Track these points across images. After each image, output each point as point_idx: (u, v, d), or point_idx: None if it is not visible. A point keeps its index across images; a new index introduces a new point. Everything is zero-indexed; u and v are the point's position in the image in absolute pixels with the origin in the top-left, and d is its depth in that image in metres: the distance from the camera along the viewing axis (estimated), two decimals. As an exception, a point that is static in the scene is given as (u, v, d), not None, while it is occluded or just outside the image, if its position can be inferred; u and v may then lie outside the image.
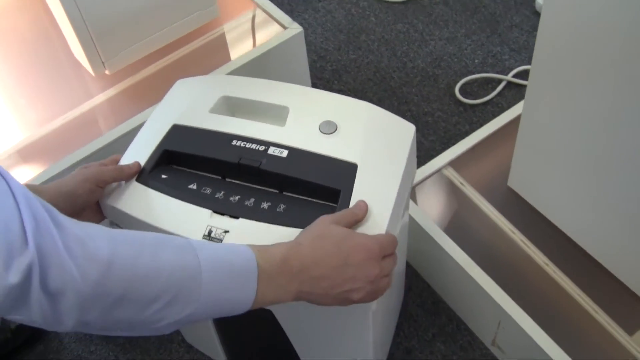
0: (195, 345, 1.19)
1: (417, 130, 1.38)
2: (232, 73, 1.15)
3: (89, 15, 1.04)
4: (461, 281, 1.06)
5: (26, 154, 1.13)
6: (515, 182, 1.13)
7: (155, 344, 1.21)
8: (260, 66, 1.19)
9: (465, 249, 1.05)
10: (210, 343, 1.11)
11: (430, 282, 1.20)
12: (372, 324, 0.84)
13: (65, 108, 1.17)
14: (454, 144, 1.35)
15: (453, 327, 1.16)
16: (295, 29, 1.21)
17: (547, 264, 1.05)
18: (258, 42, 1.22)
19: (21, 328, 1.21)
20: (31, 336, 1.23)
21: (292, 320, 0.90)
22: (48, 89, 1.21)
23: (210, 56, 1.22)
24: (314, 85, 1.52)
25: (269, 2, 1.30)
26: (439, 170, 1.18)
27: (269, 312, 0.87)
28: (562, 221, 1.06)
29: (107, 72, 1.16)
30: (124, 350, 1.21)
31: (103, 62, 1.13)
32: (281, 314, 0.87)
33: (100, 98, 1.18)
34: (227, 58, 1.19)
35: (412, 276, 1.22)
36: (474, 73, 1.50)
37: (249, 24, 1.25)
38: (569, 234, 1.06)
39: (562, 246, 1.06)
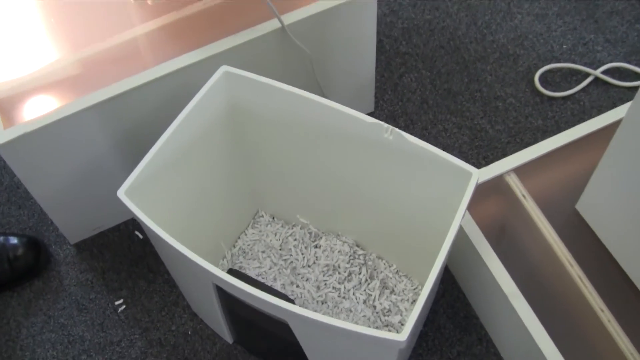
0: (200, 316, 1.09)
1: (484, 116, 1.23)
2: (290, 27, 1.01)
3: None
4: (501, 307, 0.94)
5: (47, 82, 1.01)
6: (586, 206, 0.98)
7: (159, 303, 1.12)
8: (322, 20, 1.04)
9: (513, 269, 0.92)
10: (216, 322, 1.01)
11: (466, 293, 1.08)
12: (398, 355, 0.75)
13: (96, 36, 1.05)
14: (521, 138, 1.20)
15: (482, 348, 1.04)
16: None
17: (602, 310, 0.91)
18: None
19: (20, 260, 1.13)
20: (29, 271, 1.14)
21: (310, 339, 0.80)
22: (79, 9, 1.08)
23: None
24: (380, 44, 1.36)
25: None
26: (500, 175, 1.03)
27: (286, 325, 0.77)
28: (631, 266, 0.92)
29: (148, 0, 1.03)
30: (126, 304, 1.12)
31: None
32: (299, 330, 0.77)
33: (137, 30, 1.05)
34: (287, 7, 1.04)
35: (449, 282, 1.10)
36: (559, 61, 1.32)
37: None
38: (636, 282, 0.91)
39: (625, 294, 0.92)
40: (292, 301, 0.80)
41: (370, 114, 1.28)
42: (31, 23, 1.09)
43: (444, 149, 1.23)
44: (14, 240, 1.15)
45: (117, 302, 1.13)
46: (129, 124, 1.03)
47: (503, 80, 1.31)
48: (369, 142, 0.87)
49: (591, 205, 0.97)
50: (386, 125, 0.84)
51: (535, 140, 1.22)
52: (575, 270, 0.95)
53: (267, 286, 0.83)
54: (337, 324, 0.70)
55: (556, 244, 0.97)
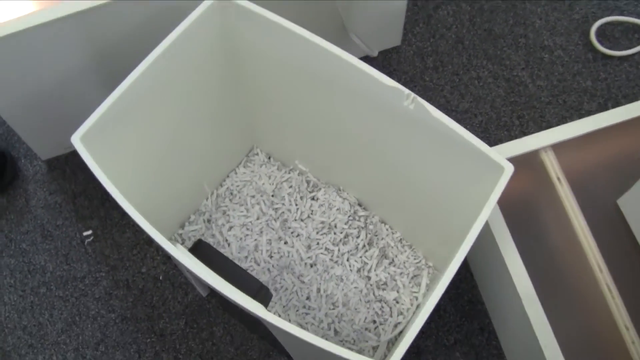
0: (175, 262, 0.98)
1: (525, 67, 1.06)
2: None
3: None
4: (512, 307, 0.81)
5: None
6: (630, 203, 0.83)
7: (131, 240, 1.00)
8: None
9: (532, 263, 0.79)
10: (188, 277, 0.90)
11: (474, 275, 0.95)
12: None
13: None
14: (564, 100, 1.04)
15: (482, 339, 0.92)
16: None
17: (627, 328, 0.78)
18: None
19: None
20: (-7, 186, 1.03)
21: (283, 336, 0.68)
22: None
23: None
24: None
25: None
26: (535, 150, 0.88)
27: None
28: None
29: None
30: (95, 236, 1.01)
31: None
32: (272, 328, 0.65)
33: None
34: None
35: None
36: (622, 12, 1.13)
37: None
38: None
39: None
40: (267, 292, 0.68)
41: (395, 49, 1.11)
42: None
43: (474, 100, 1.07)
44: (-22, 150, 1.03)
45: (85, 233, 1.01)
46: (109, 40, 0.88)
47: (554, 27, 1.13)
48: (386, 105, 0.72)
49: (636, 203, 0.82)
50: (407, 91, 0.68)
51: (580, 104, 1.06)
52: (604, 277, 0.81)
53: (237, 270, 0.70)
54: (309, 339, 0.58)
55: (587, 242, 0.83)
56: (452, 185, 0.76)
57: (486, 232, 0.83)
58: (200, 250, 0.71)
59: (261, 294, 0.67)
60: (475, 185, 0.70)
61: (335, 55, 0.71)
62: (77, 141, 0.68)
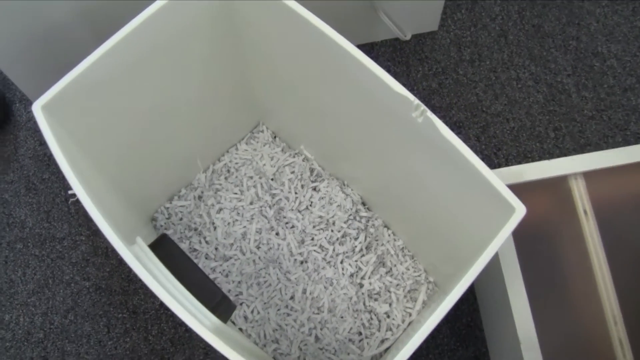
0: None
1: (572, 74, 0.95)
2: None
3: None
4: (510, 347, 0.73)
5: None
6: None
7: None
8: None
9: (541, 302, 0.70)
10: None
11: (478, 297, 0.87)
12: None
13: None
14: (609, 117, 0.93)
15: (476, 369, 0.84)
16: None
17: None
18: None
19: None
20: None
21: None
22: None
23: None
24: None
25: None
26: (564, 176, 0.78)
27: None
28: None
29: None
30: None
31: None
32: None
33: None
34: None
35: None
36: (693, 24, 1.01)
37: None
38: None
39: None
40: (229, 305, 0.61)
41: (431, 34, 1.01)
42: None
43: (509, 103, 0.96)
44: (-30, 88, 0.96)
45: (70, 192, 0.94)
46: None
47: (611, 33, 1.01)
48: (394, 111, 0.63)
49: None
50: (417, 102, 0.59)
51: (626, 124, 0.94)
52: (617, 330, 0.72)
53: (199, 275, 0.63)
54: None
55: (606, 290, 0.73)
56: (460, 207, 0.67)
57: (495, 260, 0.74)
58: (163, 247, 0.64)
59: (222, 306, 0.60)
60: (484, 216, 0.61)
61: (343, 49, 0.62)
62: (38, 110, 0.60)
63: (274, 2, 0.64)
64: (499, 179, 0.57)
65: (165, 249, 0.65)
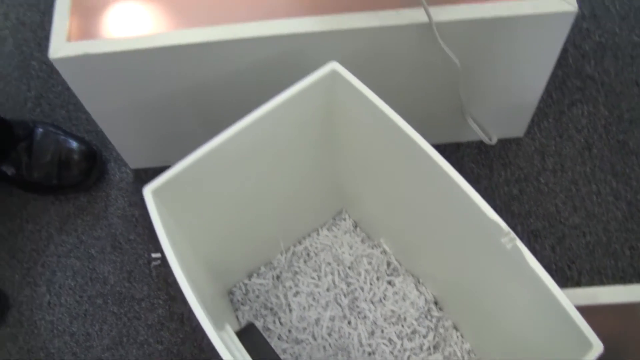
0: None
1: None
2: (441, 27, 0.76)
3: None
4: None
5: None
6: None
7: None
8: (491, 27, 0.79)
9: None
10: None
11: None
12: None
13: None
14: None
15: None
16: (569, 5, 0.79)
17: None
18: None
19: (72, 168, 1.02)
20: (78, 183, 1.02)
21: None
22: None
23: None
24: (561, 54, 1.07)
25: None
26: (637, 304, 0.78)
27: None
28: None
29: None
30: (162, 260, 0.98)
31: None
32: None
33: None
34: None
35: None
36: None
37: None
38: None
39: None
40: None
41: (516, 140, 1.03)
42: None
43: (587, 216, 0.98)
44: (72, 144, 1.02)
45: (154, 255, 0.99)
46: (208, 76, 0.85)
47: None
48: (481, 230, 0.65)
49: None
50: (507, 229, 0.61)
51: None
52: None
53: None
54: None
55: None
56: (533, 328, 0.68)
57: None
58: (249, 336, 0.67)
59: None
60: (559, 343, 0.63)
61: (438, 165, 0.64)
62: (148, 194, 0.65)
63: (373, 107, 0.68)
64: (579, 314, 0.58)
65: (252, 340, 0.68)
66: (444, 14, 0.78)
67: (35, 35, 1.18)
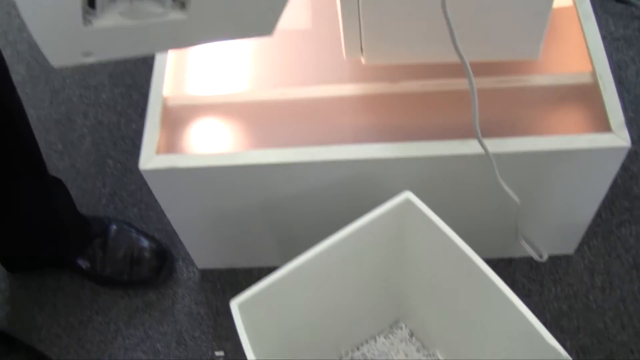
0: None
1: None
2: (500, 158, 0.83)
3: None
4: None
5: (225, 109, 0.91)
6: None
7: None
8: (546, 160, 0.85)
9: None
10: None
11: None
12: None
13: (293, 80, 0.93)
14: None
15: None
16: (622, 140, 0.85)
17: None
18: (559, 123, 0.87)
19: (142, 265, 1.08)
20: (148, 280, 1.08)
21: None
22: (291, 49, 0.96)
23: (510, 107, 0.89)
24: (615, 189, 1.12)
25: (614, 84, 0.87)
26: None
27: None
28: None
29: (362, 59, 0.88)
30: (225, 358, 1.03)
31: (361, 45, 0.84)
32: None
33: (339, 89, 0.91)
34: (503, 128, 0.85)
35: None
36: None
37: (571, 92, 0.89)
38: None
39: None
40: None
41: (566, 257, 1.08)
42: (239, 48, 0.98)
43: (635, 334, 1.01)
44: (144, 242, 1.09)
45: (217, 353, 1.03)
46: (282, 193, 0.92)
47: None
48: (537, 353, 0.69)
49: None
50: (565, 355, 0.66)
51: None
52: None
53: None
54: None
55: None
56: None
57: None
58: None
59: None
60: None
61: (498, 289, 0.70)
62: (235, 307, 0.70)
63: (441, 234, 0.73)
64: None
65: None
66: (503, 145, 0.84)
67: (112, 134, 1.27)
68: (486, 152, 0.79)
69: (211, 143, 0.89)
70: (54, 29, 0.50)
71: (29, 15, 0.48)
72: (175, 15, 0.53)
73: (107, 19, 0.51)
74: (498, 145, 0.83)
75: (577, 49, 0.91)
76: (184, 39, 0.58)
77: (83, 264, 1.08)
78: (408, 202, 0.76)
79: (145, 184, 0.90)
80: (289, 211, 0.94)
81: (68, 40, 0.52)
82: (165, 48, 0.59)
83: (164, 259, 1.09)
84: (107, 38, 0.53)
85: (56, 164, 1.24)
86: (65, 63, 0.55)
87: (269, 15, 0.59)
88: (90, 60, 0.55)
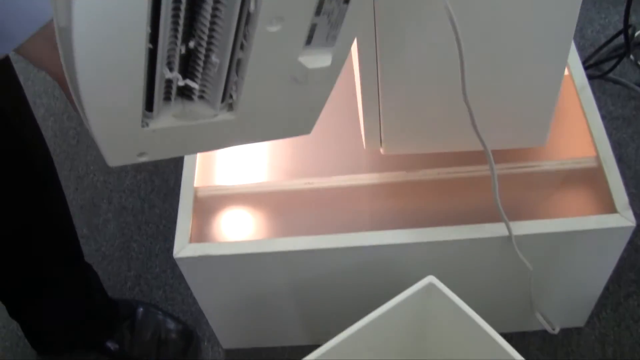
0: None
1: None
2: (519, 238, 0.88)
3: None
4: None
5: (252, 199, 0.97)
6: None
7: None
8: (560, 239, 0.91)
9: None
10: None
11: None
12: None
13: (314, 170, 0.99)
14: None
15: None
16: (627, 221, 0.90)
17: None
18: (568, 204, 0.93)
19: (169, 346, 1.11)
20: (175, 365, 1.12)
21: None
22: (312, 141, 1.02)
23: (522, 193, 0.95)
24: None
25: (617, 167, 0.94)
26: None
27: None
28: None
29: (381, 150, 0.94)
30: None
31: (381, 136, 0.91)
32: None
33: (360, 179, 0.97)
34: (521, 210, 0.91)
35: None
36: None
37: (577, 175, 0.96)
38: None
39: None
40: None
41: (577, 329, 1.12)
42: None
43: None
44: (171, 324, 1.13)
45: None
46: (310, 277, 0.97)
47: None
48: None
49: None
50: None
51: None
52: None
53: None
54: None
55: None
56: None
57: None
58: None
59: None
60: None
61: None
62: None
63: (465, 316, 0.78)
64: None
65: None
66: (518, 229, 0.89)
67: (136, 219, 1.32)
68: (510, 234, 0.85)
69: (239, 231, 0.94)
70: (115, 132, 0.54)
71: (94, 119, 0.51)
72: (224, 116, 0.58)
73: (162, 121, 0.55)
74: (518, 228, 0.89)
75: (581, 134, 0.98)
76: (230, 139, 0.63)
77: (112, 346, 1.12)
78: (432, 286, 0.81)
79: (169, 267, 0.95)
80: (314, 294, 0.99)
81: (126, 142, 0.56)
82: (213, 147, 0.63)
83: (190, 340, 1.13)
84: (160, 139, 0.57)
85: (82, 248, 1.28)
86: (121, 163, 0.60)
87: (309, 116, 0.65)
88: (143, 159, 0.59)
